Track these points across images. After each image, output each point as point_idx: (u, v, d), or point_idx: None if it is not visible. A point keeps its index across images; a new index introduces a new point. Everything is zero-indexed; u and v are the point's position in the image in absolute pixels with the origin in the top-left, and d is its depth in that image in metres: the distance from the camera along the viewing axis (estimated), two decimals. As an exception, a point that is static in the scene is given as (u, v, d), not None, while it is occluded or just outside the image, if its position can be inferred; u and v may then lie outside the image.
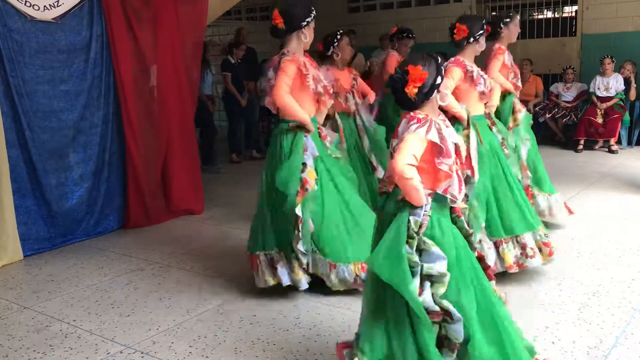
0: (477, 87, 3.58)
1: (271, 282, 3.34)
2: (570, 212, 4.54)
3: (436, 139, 2.05)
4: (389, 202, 2.17)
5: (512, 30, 4.43)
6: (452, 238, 2.11)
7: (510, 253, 3.48)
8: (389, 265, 2.04)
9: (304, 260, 3.25)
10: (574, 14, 9.35)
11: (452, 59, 3.60)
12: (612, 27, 8.54)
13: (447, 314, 2.04)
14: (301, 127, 3.28)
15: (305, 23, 3.32)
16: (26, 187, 4.35)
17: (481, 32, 3.56)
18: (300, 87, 3.31)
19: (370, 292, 2.23)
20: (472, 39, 3.53)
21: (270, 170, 3.35)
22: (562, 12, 9.89)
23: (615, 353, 2.67)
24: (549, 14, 10.05)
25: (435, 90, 2.12)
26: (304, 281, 3.29)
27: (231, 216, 5.31)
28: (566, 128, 8.41)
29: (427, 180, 2.09)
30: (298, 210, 3.16)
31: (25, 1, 4.20)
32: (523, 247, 3.50)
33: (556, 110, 8.34)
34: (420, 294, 2.01)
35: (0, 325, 3.25)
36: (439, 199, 2.11)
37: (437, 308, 2.03)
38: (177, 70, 5.20)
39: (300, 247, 3.20)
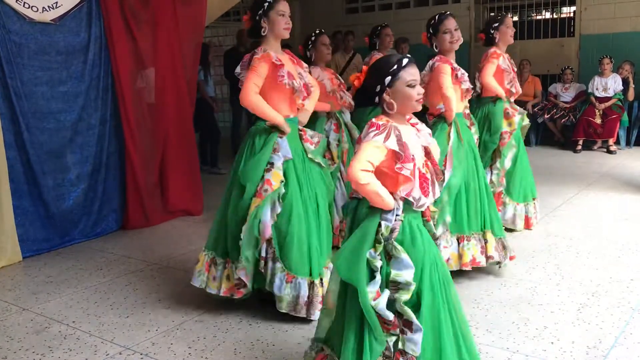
0: (462, 85, 3.63)
1: (206, 285, 3.25)
2: (528, 226, 4.53)
3: (394, 146, 2.02)
4: (360, 207, 2.14)
5: (504, 32, 4.43)
6: (422, 243, 2.08)
7: (469, 251, 3.52)
8: (348, 264, 2.04)
9: (243, 264, 3.04)
10: (572, 15, 9.36)
11: (437, 57, 3.62)
12: (611, 28, 8.55)
13: (407, 324, 2.00)
14: (276, 128, 3.12)
15: (262, 10, 3.10)
16: (24, 188, 4.34)
17: (431, 31, 3.63)
18: (274, 85, 3.10)
19: (332, 292, 2.26)
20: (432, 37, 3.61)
21: (236, 169, 3.19)
22: (561, 13, 9.90)
23: (614, 353, 2.67)
24: (548, 15, 10.07)
25: (377, 98, 2.10)
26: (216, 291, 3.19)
27: (230, 217, 5.30)
28: (565, 128, 8.42)
29: (390, 185, 2.06)
30: (250, 213, 3.01)
31: (24, 2, 4.20)
32: (484, 245, 3.56)
33: (555, 110, 8.35)
34: (375, 299, 1.98)
35: (-1, 326, 3.25)
36: (405, 203, 2.08)
37: (390, 316, 1.99)
38: (175, 71, 5.20)
39: (244, 251, 3.03)
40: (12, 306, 3.52)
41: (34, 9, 4.27)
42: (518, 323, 3.00)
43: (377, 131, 2.02)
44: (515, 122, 4.37)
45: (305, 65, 3.34)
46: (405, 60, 2.08)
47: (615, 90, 7.96)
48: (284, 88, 3.11)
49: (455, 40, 3.63)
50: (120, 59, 4.78)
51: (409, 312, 1.99)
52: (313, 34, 4.32)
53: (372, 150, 2.00)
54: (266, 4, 3.11)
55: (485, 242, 3.57)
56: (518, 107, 4.53)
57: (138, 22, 4.92)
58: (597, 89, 8.06)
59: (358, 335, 2.04)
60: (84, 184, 4.73)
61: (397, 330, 2.01)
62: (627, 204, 5.17)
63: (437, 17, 3.67)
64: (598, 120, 7.93)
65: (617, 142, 8.09)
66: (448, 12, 3.75)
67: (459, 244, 3.53)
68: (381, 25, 5.35)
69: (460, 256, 3.52)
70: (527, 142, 8.52)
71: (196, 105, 7.42)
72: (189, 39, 5.34)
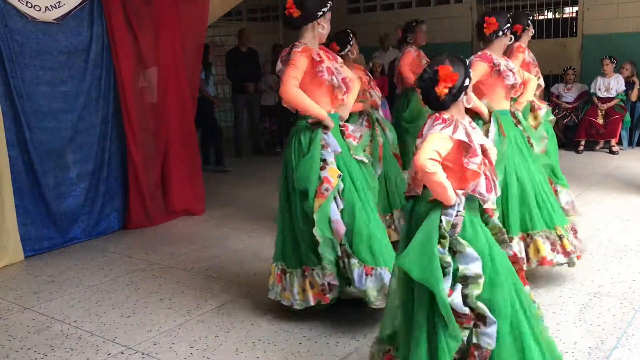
0: (506, 81, 3.50)
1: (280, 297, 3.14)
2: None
3: (464, 137, 2.04)
4: (419, 204, 2.14)
5: (529, 30, 4.53)
6: (485, 238, 2.09)
7: (545, 246, 3.37)
8: (420, 264, 2.01)
9: (329, 269, 2.95)
10: (574, 15, 9.34)
11: (480, 53, 3.55)
12: (613, 28, 8.53)
13: (481, 318, 2.00)
14: (319, 124, 3.02)
15: (321, 13, 3.06)
16: (25, 187, 4.34)
17: (508, 25, 3.53)
18: (313, 80, 3.02)
19: (395, 293, 2.23)
20: (500, 33, 3.49)
21: (287, 173, 3.08)
22: (563, 13, 9.88)
23: (616, 354, 2.67)
24: (550, 15, 10.05)
25: (463, 92, 2.11)
26: (304, 303, 3.05)
27: (232, 217, 5.30)
28: (567, 129, 8.40)
29: (454, 180, 2.06)
30: (316, 216, 2.90)
31: (27, 2, 4.20)
32: (553, 242, 3.41)
33: (557, 111, 8.33)
34: (449, 295, 1.98)
35: (1, 326, 3.25)
36: (469, 199, 2.09)
37: (466, 310, 1.99)
38: (177, 70, 5.20)
39: (325, 255, 2.93)
40: (13, 305, 3.52)
41: (37, 8, 4.27)
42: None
43: (443, 124, 2.03)
44: (540, 115, 4.34)
45: (340, 60, 3.25)
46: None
47: (618, 91, 7.94)
48: (323, 83, 3.05)
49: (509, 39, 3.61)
50: (122, 59, 4.79)
51: (481, 305, 1.99)
52: (351, 33, 4.25)
53: (440, 141, 2.01)
54: (330, 4, 3.09)
55: (561, 238, 3.41)
56: (544, 101, 4.54)
57: (140, 22, 4.93)
58: (599, 89, 8.05)
59: (430, 336, 2.03)
60: (85, 183, 4.74)
61: (471, 324, 2.01)
62: (629, 205, 5.16)
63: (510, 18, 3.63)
64: (600, 121, 7.91)
65: (620, 143, 8.07)
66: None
67: (524, 243, 3.40)
68: (416, 21, 5.23)
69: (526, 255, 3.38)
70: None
71: (198, 105, 7.45)
72: (192, 39, 5.34)
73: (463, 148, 2.05)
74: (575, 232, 3.52)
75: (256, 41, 9.16)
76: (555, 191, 4.28)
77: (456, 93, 2.08)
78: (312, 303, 3.03)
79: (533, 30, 4.59)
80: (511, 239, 3.27)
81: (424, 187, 2.12)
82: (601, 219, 4.78)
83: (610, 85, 7.97)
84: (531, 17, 4.63)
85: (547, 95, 8.68)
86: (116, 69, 4.79)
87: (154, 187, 5.17)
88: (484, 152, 2.15)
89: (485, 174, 2.12)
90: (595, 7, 8.65)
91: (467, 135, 2.06)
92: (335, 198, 2.95)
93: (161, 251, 4.43)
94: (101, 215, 4.89)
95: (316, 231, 2.91)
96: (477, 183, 2.08)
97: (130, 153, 4.92)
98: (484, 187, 2.09)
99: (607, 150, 7.93)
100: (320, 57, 3.05)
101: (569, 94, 8.47)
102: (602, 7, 8.59)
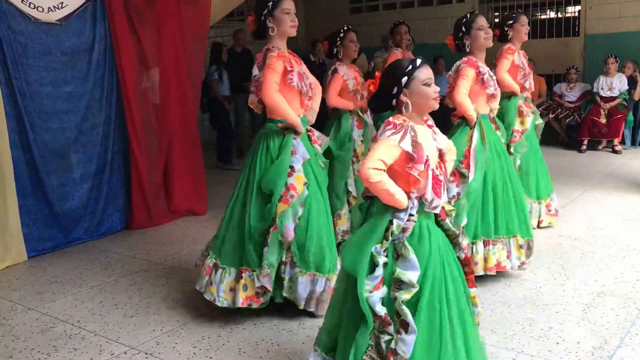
0: (487, 90, 3.58)
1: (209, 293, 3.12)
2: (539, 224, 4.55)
3: (408, 148, 2.03)
4: (372, 206, 2.17)
5: (518, 30, 4.43)
6: (430, 246, 2.07)
7: (494, 256, 3.48)
8: (352, 255, 2.07)
9: (267, 271, 2.98)
10: (577, 14, 9.34)
11: (465, 58, 3.58)
12: (616, 27, 8.52)
13: (404, 324, 1.98)
14: (290, 129, 3.07)
15: (266, 10, 3.06)
16: (28, 187, 4.34)
17: (463, 30, 3.56)
18: (284, 86, 3.05)
19: (338, 282, 2.29)
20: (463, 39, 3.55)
21: (250, 174, 3.12)
22: (565, 12, 9.87)
23: (620, 353, 2.67)
24: (552, 14, 10.04)
25: (394, 100, 2.12)
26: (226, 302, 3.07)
27: (234, 217, 5.30)
28: (569, 128, 8.40)
29: (404, 184, 2.07)
30: (278, 220, 2.96)
31: (29, 3, 4.21)
32: (510, 250, 3.53)
33: (559, 110, 8.33)
34: (371, 292, 2.01)
35: (4, 326, 3.25)
36: (420, 203, 2.09)
37: (381, 311, 1.99)
38: (180, 71, 5.21)
39: (268, 257, 2.96)
40: (17, 305, 3.53)
41: (39, 9, 4.28)
42: (523, 323, 3.00)
43: (393, 130, 2.04)
44: (528, 121, 4.34)
45: (303, 63, 3.26)
46: (419, 61, 2.12)
47: (621, 90, 7.93)
48: (293, 88, 3.09)
49: (490, 37, 3.60)
50: (125, 59, 4.79)
51: (406, 312, 1.98)
52: (341, 30, 4.24)
53: (386, 149, 2.02)
54: (270, 3, 3.07)
55: (520, 247, 3.55)
56: (533, 106, 4.51)
57: (143, 22, 4.93)
58: (602, 88, 8.04)
59: (353, 334, 2.06)
60: (88, 184, 4.74)
61: (392, 329, 2.01)
62: (632, 204, 5.15)
63: (468, 15, 3.63)
64: (603, 120, 7.91)
65: (622, 142, 8.06)
66: (477, 11, 3.74)
67: (484, 247, 3.49)
68: (395, 23, 5.26)
69: (485, 260, 3.47)
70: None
71: (212, 104, 7.48)
72: (194, 39, 5.35)
73: (408, 156, 2.04)
74: (529, 248, 3.62)
75: (257, 41, 9.16)
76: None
77: (384, 100, 2.13)
78: (240, 304, 3.04)
79: (527, 30, 4.46)
80: (477, 243, 3.48)
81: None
82: (604, 218, 4.77)
83: (613, 84, 7.96)
84: (514, 15, 4.48)
85: (549, 94, 8.68)
86: (119, 69, 4.80)
87: (156, 188, 5.17)
88: (441, 156, 2.16)
89: (437, 178, 2.11)
90: (597, 6, 8.65)
91: (415, 143, 2.04)
92: (296, 205, 3.01)
93: (164, 251, 4.43)
94: (104, 216, 4.89)
95: (272, 233, 2.96)
96: (422, 188, 2.07)
97: (133, 153, 4.93)
98: (431, 191, 2.08)
99: (610, 150, 7.92)
100: (291, 64, 3.10)
101: (571, 94, 8.46)
102: (604, 6, 8.58)
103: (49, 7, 4.33)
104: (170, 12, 5.08)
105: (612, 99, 7.94)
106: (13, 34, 4.16)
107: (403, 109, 2.10)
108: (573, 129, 8.32)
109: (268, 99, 3.00)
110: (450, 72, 3.63)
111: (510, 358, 2.67)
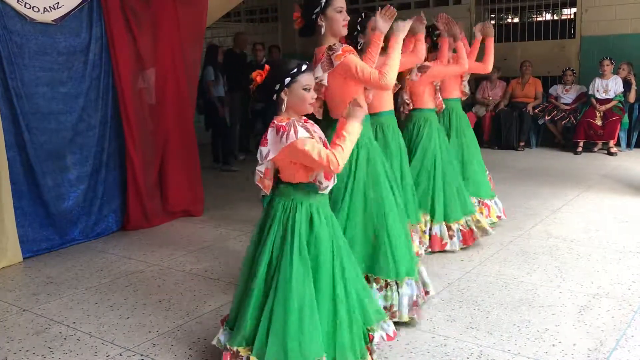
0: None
1: None
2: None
3: (307, 135, 2.27)
4: (274, 199, 2.44)
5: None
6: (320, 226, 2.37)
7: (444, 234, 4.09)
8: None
9: None
10: (573, 16, 9.36)
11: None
12: (611, 29, 8.55)
13: None
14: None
15: (319, 7, 2.85)
16: (23, 188, 4.33)
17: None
18: (353, 80, 2.88)
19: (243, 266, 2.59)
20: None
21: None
22: (561, 15, 9.90)
23: (615, 355, 2.67)
24: (548, 16, 10.07)
25: (275, 95, 2.29)
26: None
27: (231, 218, 5.30)
28: (565, 130, 8.42)
29: (302, 172, 2.33)
30: None
31: (25, 3, 4.20)
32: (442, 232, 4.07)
33: (555, 112, 8.35)
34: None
35: (-1, 327, 3.24)
36: (311, 187, 2.36)
37: None
38: (176, 71, 5.20)
39: None
40: (12, 307, 3.52)
41: (35, 9, 4.27)
42: (519, 325, 3.00)
43: (291, 131, 2.22)
44: None
45: None
46: (304, 66, 2.30)
47: (616, 92, 7.95)
48: (359, 83, 2.91)
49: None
50: (121, 60, 4.78)
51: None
52: (360, 18, 3.38)
53: (312, 142, 2.24)
54: (324, 1, 2.85)
55: (448, 229, 4.09)
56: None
57: (139, 23, 4.92)
58: (597, 90, 8.06)
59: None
60: (84, 185, 4.73)
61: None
62: (627, 206, 5.16)
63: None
64: (599, 122, 7.93)
65: (618, 144, 8.08)
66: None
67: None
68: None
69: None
70: (528, 144, 8.55)
71: (207, 105, 7.49)
72: (190, 40, 5.34)
73: None
74: (449, 229, 4.11)
75: (255, 42, 9.18)
76: (489, 207, 4.62)
77: (267, 93, 2.30)
78: None
79: (427, 43, 4.21)
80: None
81: (273, 187, 2.42)
82: (600, 220, 4.78)
83: (609, 86, 7.98)
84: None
85: (545, 96, 8.70)
86: (115, 70, 4.79)
87: (152, 188, 5.16)
88: (324, 144, 2.37)
89: None
90: (593, 9, 8.67)
91: (308, 131, 2.28)
92: None
93: (160, 252, 4.42)
94: (99, 217, 4.88)
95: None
96: (318, 172, 2.34)
97: (128, 154, 4.91)
98: (323, 175, 2.35)
99: (606, 152, 7.94)
100: None
101: (567, 96, 8.48)
102: (600, 9, 8.61)
103: (44, 8, 4.32)
104: (167, 12, 5.08)
105: (608, 101, 7.97)
106: (9, 34, 4.14)
107: (281, 106, 2.30)
108: (569, 130, 8.34)
109: (383, 77, 2.79)
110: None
111: (507, 360, 2.68)
